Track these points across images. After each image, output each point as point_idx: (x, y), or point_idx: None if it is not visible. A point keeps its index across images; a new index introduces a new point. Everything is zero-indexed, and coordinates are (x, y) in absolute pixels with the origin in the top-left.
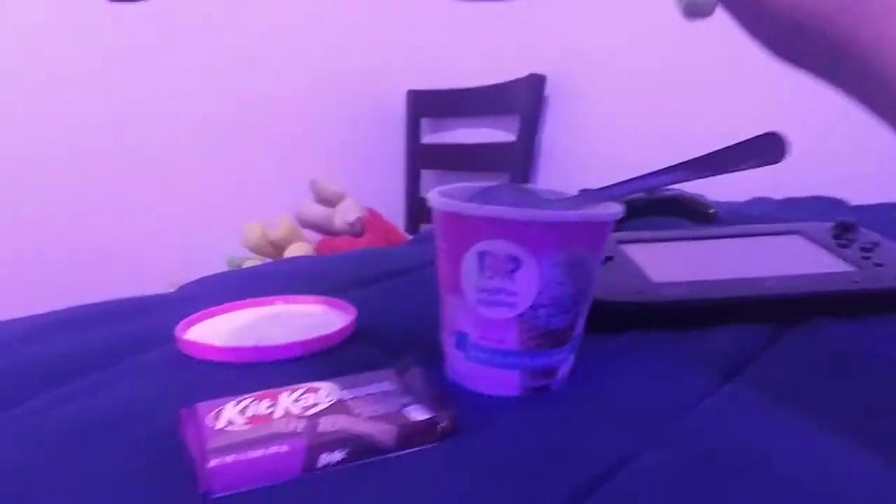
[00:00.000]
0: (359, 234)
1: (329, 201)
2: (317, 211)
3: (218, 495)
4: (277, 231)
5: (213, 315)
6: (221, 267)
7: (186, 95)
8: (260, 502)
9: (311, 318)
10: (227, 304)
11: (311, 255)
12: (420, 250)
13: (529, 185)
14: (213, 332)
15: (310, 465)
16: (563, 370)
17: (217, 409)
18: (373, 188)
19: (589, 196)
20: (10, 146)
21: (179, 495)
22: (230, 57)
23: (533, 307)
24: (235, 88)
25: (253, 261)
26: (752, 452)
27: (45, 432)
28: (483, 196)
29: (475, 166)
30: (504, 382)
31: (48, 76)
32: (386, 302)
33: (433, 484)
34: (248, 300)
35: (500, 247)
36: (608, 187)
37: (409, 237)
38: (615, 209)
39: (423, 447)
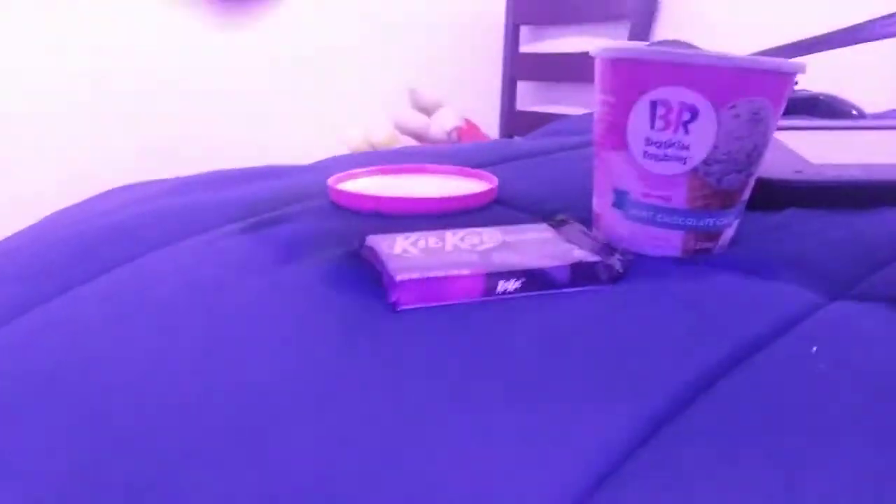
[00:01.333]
0: (456, 143)
1: (426, 110)
2: (414, 119)
3: (404, 307)
4: (379, 135)
5: (361, 175)
6: None
7: (295, 8)
8: (443, 318)
9: (454, 184)
10: (375, 167)
11: None
12: (546, 142)
13: (695, 45)
14: (363, 187)
15: (489, 290)
16: (727, 235)
17: (389, 240)
18: (468, 98)
19: (764, 53)
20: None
21: (363, 308)
22: None
23: (706, 162)
24: None
25: None
26: None
27: (235, 252)
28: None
29: (577, 77)
30: (665, 243)
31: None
32: (525, 177)
33: (607, 321)
34: (395, 166)
35: (677, 94)
36: (781, 47)
37: None
38: (800, 63)
39: (595, 287)
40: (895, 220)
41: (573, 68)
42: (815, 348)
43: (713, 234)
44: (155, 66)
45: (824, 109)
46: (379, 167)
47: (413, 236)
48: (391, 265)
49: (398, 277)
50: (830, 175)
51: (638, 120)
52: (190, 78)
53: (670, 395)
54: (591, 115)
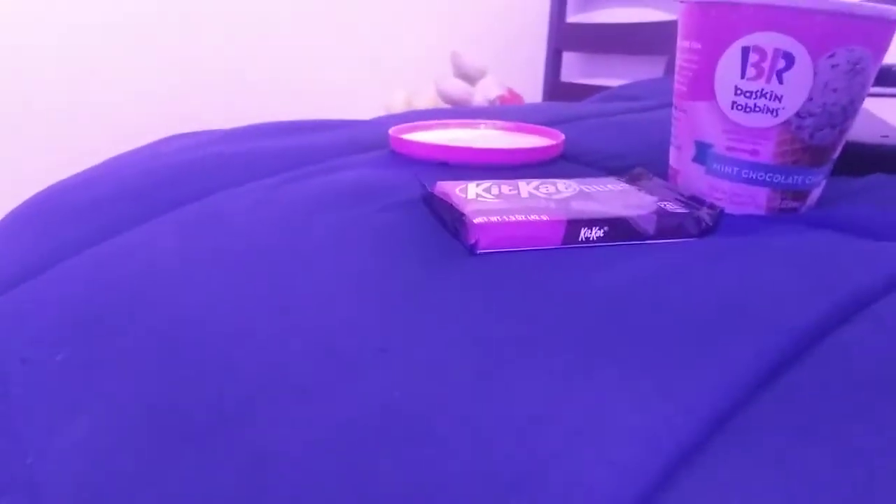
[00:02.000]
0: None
1: (469, 77)
2: (457, 86)
3: (483, 251)
4: (422, 99)
5: (424, 128)
6: None
7: None
8: (522, 264)
9: (519, 138)
10: (437, 121)
11: None
12: (608, 105)
13: None
14: (426, 137)
15: (570, 238)
16: (815, 194)
17: (461, 186)
18: (513, 68)
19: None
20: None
21: (438, 252)
22: None
23: (799, 115)
24: None
25: None
26: None
27: (296, 198)
28: None
29: (625, 48)
30: (750, 200)
31: None
32: (589, 135)
33: (700, 273)
34: (458, 120)
35: (772, 40)
36: None
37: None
38: None
39: (684, 240)
40: None
41: (621, 40)
42: None
43: (801, 193)
44: (202, 29)
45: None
46: (440, 121)
47: (485, 183)
48: (469, 207)
49: (477, 220)
50: None
51: (728, 67)
52: (236, 36)
53: (774, 351)
54: (648, 81)
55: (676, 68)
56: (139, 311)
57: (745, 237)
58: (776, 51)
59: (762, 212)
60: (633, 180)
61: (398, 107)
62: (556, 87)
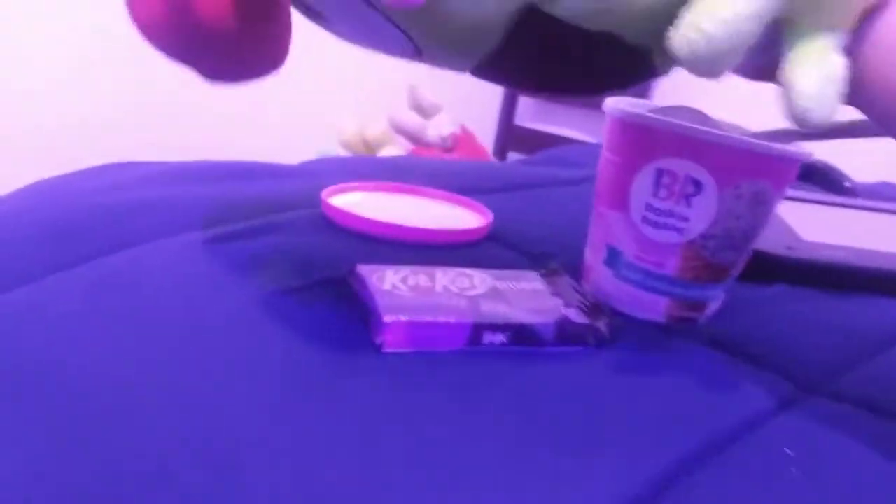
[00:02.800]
0: (449, 150)
1: (424, 111)
2: (412, 119)
3: (389, 351)
4: (373, 131)
5: (357, 189)
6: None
7: None
8: (427, 365)
9: (450, 213)
10: (369, 182)
11: None
12: (543, 171)
13: (708, 114)
14: (358, 203)
15: (474, 341)
16: (713, 306)
17: (379, 273)
18: (468, 107)
19: (774, 134)
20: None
21: (346, 344)
22: None
23: (703, 236)
24: None
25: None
26: None
27: (200, 267)
28: (662, 113)
29: (578, 101)
30: (650, 307)
31: None
32: (519, 211)
33: (591, 386)
34: (392, 184)
35: (683, 167)
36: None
37: (497, 161)
38: (807, 149)
39: (580, 348)
40: (878, 312)
41: None
42: (789, 452)
43: (699, 305)
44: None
45: (819, 177)
46: (376, 183)
47: (403, 271)
48: (381, 302)
49: (386, 318)
50: (821, 255)
51: (641, 185)
52: None
53: (647, 481)
54: (594, 147)
55: (598, 172)
56: (26, 380)
57: (636, 355)
58: (686, 176)
59: (661, 319)
60: (547, 276)
61: (348, 135)
62: (508, 130)
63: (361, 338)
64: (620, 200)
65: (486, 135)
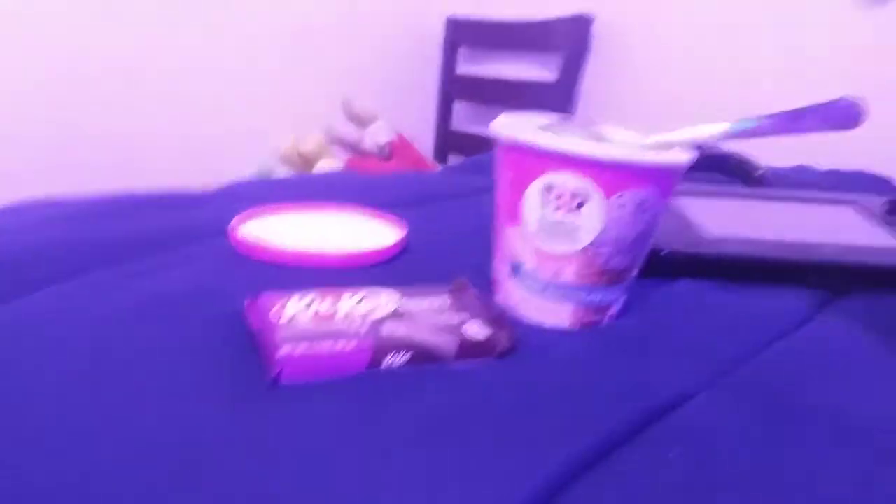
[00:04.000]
0: (387, 158)
1: (361, 121)
2: (347, 130)
3: (287, 382)
4: (308, 144)
5: (267, 213)
6: (250, 174)
7: (233, 9)
8: (326, 394)
9: (362, 229)
10: (280, 205)
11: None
12: (463, 180)
13: (598, 124)
14: (268, 230)
15: (374, 364)
16: (615, 308)
17: (281, 302)
18: (404, 114)
19: (663, 141)
20: (76, 29)
21: (245, 379)
22: None
23: (595, 244)
24: (289, 4)
25: (282, 172)
26: (822, 401)
27: (105, 308)
28: (552, 129)
29: (511, 103)
30: (557, 314)
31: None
32: (435, 223)
33: (491, 398)
34: (303, 203)
35: (569, 181)
36: (702, 131)
37: (438, 166)
38: (687, 156)
39: (482, 362)
40: (776, 301)
41: (508, 93)
42: (671, 452)
43: (601, 308)
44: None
45: (734, 168)
46: (286, 204)
47: (308, 297)
48: (277, 335)
49: (281, 352)
50: (722, 249)
51: (532, 200)
52: (123, 73)
53: (550, 475)
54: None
55: (495, 192)
56: None
57: (537, 362)
58: (573, 190)
59: (568, 325)
60: (455, 291)
61: (284, 150)
62: (446, 135)
63: (260, 371)
64: (516, 215)
65: (424, 140)
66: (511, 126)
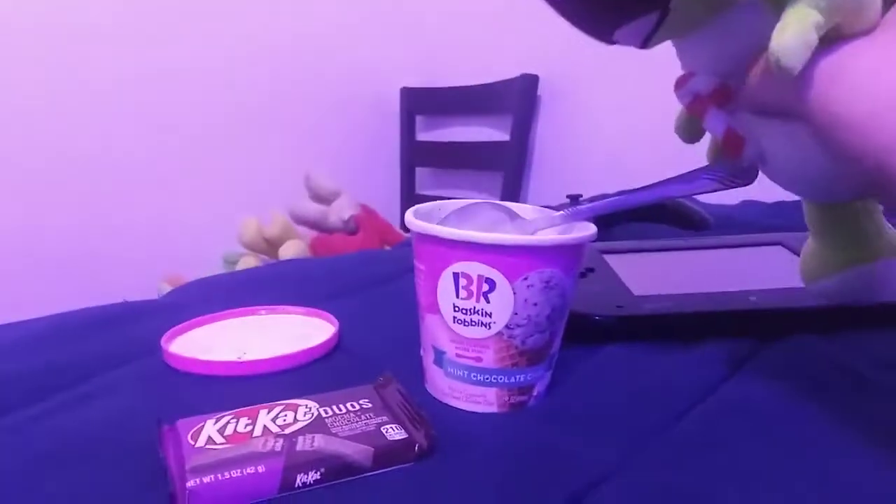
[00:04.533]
0: (353, 232)
1: (324, 198)
2: (311, 208)
3: None
4: (272, 229)
5: (197, 325)
6: (217, 262)
7: (183, 93)
8: None
9: (294, 330)
10: (210, 315)
11: (304, 253)
12: (392, 266)
13: (509, 203)
14: (197, 343)
15: (287, 485)
16: (541, 387)
17: (197, 427)
18: (368, 185)
19: (568, 214)
20: (3, 146)
21: None
22: (225, 55)
23: (508, 327)
24: (231, 85)
25: (248, 257)
26: (738, 469)
27: (24, 449)
28: (461, 214)
29: (469, 164)
30: (483, 399)
31: (44, 75)
32: (369, 314)
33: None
34: (232, 310)
35: (475, 269)
36: (590, 205)
37: (405, 234)
38: (589, 231)
39: (400, 467)
40: (702, 357)
41: (466, 156)
42: None
43: (526, 389)
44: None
45: (669, 216)
46: (218, 314)
47: (225, 417)
48: (186, 465)
49: (189, 484)
50: (648, 309)
51: (445, 288)
52: (88, 153)
53: None
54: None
55: (415, 281)
56: None
57: (459, 456)
58: (479, 276)
59: (495, 408)
60: (379, 388)
61: (248, 236)
62: (411, 200)
63: None
64: (432, 304)
65: (393, 208)
66: (421, 216)
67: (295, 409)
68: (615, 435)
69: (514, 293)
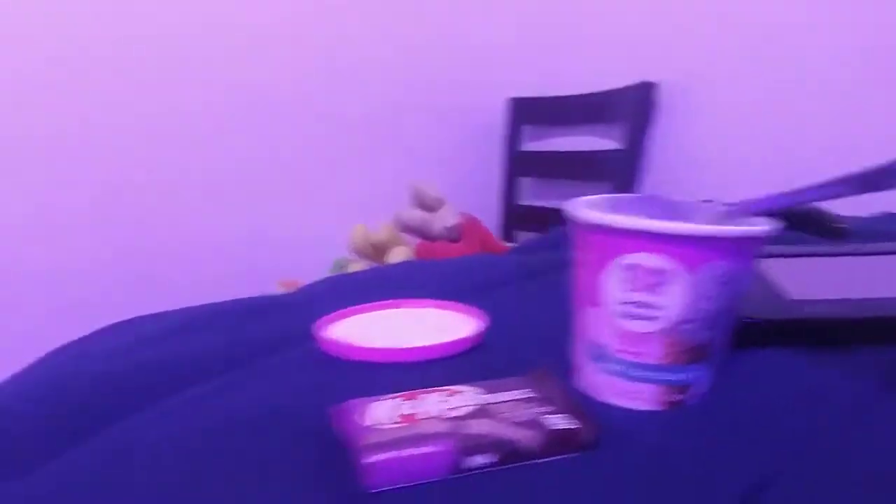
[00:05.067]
0: (455, 240)
1: (428, 206)
2: (416, 215)
3: (374, 491)
4: (379, 235)
5: (348, 315)
6: (326, 268)
7: (303, 99)
8: (413, 500)
9: (444, 322)
10: (362, 305)
11: (411, 259)
12: (534, 260)
13: (671, 196)
14: (350, 331)
15: (458, 467)
16: (702, 385)
17: (365, 407)
18: (470, 194)
19: (737, 209)
20: (133, 146)
21: (337, 489)
22: (335, 65)
23: (677, 321)
24: (347, 94)
25: (357, 264)
26: None
27: (200, 424)
28: (624, 207)
29: (575, 174)
30: (640, 396)
31: (166, 84)
32: (511, 308)
33: (579, 493)
34: (384, 301)
35: (647, 260)
36: (757, 200)
37: (506, 244)
38: (771, 225)
39: (566, 456)
40: (864, 366)
41: (572, 166)
42: None
43: (685, 387)
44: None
45: (810, 224)
46: (368, 305)
47: (388, 402)
48: (361, 443)
49: (367, 460)
50: (806, 314)
51: (612, 281)
52: (194, 165)
53: None
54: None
55: (574, 274)
56: None
57: (620, 452)
58: (652, 268)
59: (651, 406)
60: (536, 380)
61: (357, 242)
62: (511, 211)
63: (349, 481)
64: (595, 297)
65: (491, 217)
66: (586, 207)
67: (458, 394)
68: (775, 441)
69: (689, 286)
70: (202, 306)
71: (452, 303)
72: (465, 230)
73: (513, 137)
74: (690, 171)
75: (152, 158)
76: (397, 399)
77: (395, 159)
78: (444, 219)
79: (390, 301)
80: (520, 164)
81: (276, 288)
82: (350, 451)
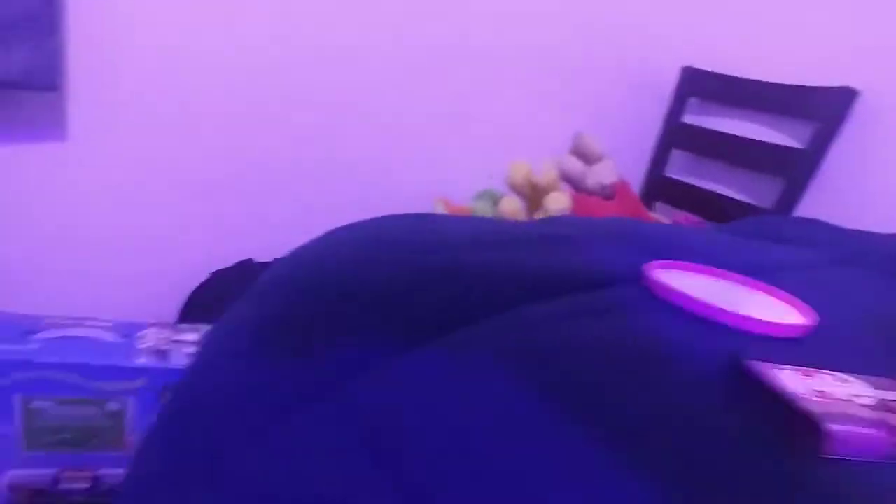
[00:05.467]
0: (609, 198)
1: (587, 158)
2: (575, 165)
3: (831, 456)
4: (543, 177)
5: (680, 268)
6: (471, 195)
7: (493, 43)
8: (867, 474)
9: (766, 303)
10: (702, 266)
11: (569, 208)
12: (810, 253)
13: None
14: (681, 283)
15: (890, 454)
16: None
17: (778, 372)
18: (616, 154)
19: None
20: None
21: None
22: (515, 10)
23: None
24: (528, 39)
25: (511, 200)
26: None
27: (562, 345)
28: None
29: (738, 160)
30: None
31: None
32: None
33: None
34: (712, 269)
35: None
36: None
37: (652, 215)
38: None
39: None
40: None
41: (737, 151)
42: None
43: None
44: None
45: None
46: (697, 266)
47: (797, 373)
48: (811, 408)
49: (828, 426)
50: None
51: None
52: (366, 100)
53: None
54: (810, 223)
55: None
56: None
57: None
58: None
59: None
60: None
61: (518, 179)
62: (657, 181)
63: (793, 437)
64: None
65: (634, 184)
66: None
67: (846, 381)
68: None
69: None
70: (490, 221)
71: (780, 291)
72: (619, 191)
73: (677, 106)
74: (864, 190)
75: (326, 96)
76: (797, 372)
77: (563, 107)
78: (602, 175)
79: (718, 270)
80: (677, 135)
81: (434, 205)
82: (802, 413)
